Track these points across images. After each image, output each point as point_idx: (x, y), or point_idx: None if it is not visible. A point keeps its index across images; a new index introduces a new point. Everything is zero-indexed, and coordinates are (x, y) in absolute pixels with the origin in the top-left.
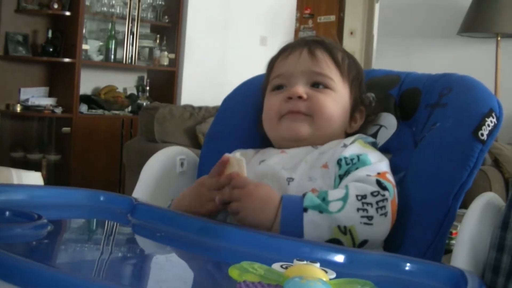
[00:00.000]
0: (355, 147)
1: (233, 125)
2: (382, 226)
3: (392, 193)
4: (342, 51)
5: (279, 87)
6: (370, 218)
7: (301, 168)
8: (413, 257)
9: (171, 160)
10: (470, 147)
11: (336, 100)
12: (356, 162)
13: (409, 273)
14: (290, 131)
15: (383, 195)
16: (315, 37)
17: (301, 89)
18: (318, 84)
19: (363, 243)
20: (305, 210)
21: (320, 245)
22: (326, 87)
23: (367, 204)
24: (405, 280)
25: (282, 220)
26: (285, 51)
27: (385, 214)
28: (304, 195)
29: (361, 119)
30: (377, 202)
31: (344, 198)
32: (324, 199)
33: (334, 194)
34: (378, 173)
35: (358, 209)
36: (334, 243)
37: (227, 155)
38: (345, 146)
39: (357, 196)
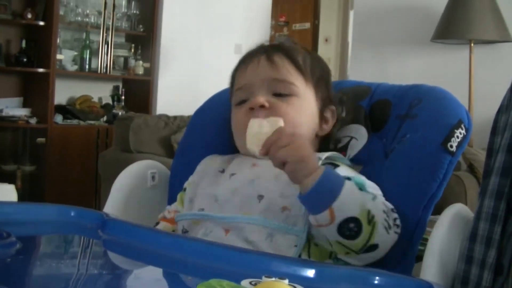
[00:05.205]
0: (344, 170)
1: (204, 138)
2: (391, 241)
3: None
4: (303, 52)
5: (242, 101)
6: (389, 227)
7: (272, 185)
8: (382, 270)
9: (142, 174)
10: (439, 159)
11: (300, 106)
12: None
13: (378, 287)
14: None
15: (397, 217)
16: (273, 42)
17: (262, 98)
18: (280, 93)
19: (373, 248)
20: (349, 179)
21: (290, 260)
22: (289, 94)
23: (388, 214)
24: None
25: (324, 174)
26: (244, 61)
27: (397, 233)
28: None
29: (333, 119)
30: (394, 219)
31: (374, 198)
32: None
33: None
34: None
35: (384, 211)
36: (355, 224)
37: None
38: (320, 159)
39: (383, 202)
